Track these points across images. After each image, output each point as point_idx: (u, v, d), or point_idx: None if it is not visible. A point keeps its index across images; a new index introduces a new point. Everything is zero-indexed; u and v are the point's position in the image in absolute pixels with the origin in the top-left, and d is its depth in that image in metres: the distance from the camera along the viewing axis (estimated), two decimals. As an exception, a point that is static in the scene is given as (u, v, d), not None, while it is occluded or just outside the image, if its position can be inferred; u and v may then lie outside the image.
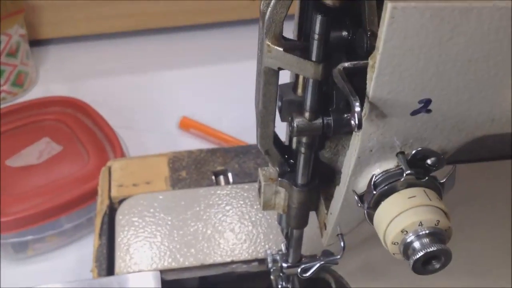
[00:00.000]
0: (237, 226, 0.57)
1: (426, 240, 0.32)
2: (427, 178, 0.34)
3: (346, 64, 0.34)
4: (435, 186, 0.35)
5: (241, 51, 0.96)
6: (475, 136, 0.34)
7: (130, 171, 0.62)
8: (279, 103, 0.39)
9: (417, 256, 0.32)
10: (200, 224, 0.57)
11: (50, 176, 0.67)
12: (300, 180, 0.41)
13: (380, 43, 0.30)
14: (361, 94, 0.32)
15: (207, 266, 0.54)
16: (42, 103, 0.78)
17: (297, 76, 0.39)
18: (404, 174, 0.34)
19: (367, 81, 0.32)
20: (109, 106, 0.89)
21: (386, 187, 0.35)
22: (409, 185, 0.34)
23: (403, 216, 0.33)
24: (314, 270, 0.46)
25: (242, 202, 0.59)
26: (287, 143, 0.43)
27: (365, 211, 0.36)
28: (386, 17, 0.29)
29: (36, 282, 0.56)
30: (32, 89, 0.94)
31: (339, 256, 0.44)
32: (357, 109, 0.31)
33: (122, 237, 0.55)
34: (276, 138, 0.41)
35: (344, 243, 0.42)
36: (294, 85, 0.40)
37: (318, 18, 0.33)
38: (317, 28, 0.34)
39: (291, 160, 0.42)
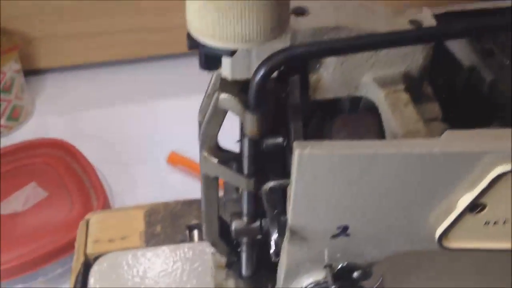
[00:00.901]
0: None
1: None
2: (353, 290, 0.35)
3: (272, 184, 0.35)
4: (362, 298, 0.36)
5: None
6: (399, 252, 0.35)
7: (107, 225, 0.64)
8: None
9: None
10: (172, 283, 0.58)
11: (33, 224, 0.69)
12: (244, 272, 0.43)
13: (292, 179, 0.31)
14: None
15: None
16: (31, 146, 0.80)
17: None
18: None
19: (287, 207, 0.33)
20: (102, 139, 0.91)
21: (315, 298, 0.36)
22: (336, 297, 0.35)
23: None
24: None
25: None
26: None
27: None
28: (294, 160, 0.29)
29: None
30: (28, 121, 0.97)
31: None
32: (275, 236, 0.32)
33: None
34: (223, 229, 0.43)
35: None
36: (236, 185, 0.41)
37: (246, 141, 0.34)
38: (245, 150, 0.35)
39: (239, 250, 0.44)
